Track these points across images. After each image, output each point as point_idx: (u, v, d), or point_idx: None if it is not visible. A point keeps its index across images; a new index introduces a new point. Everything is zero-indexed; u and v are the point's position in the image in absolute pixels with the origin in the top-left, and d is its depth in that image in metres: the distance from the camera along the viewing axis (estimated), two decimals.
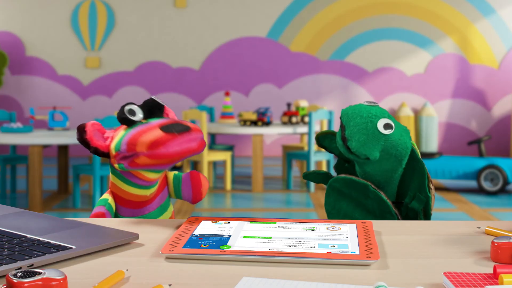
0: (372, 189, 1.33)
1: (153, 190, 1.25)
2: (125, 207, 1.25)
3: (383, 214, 1.34)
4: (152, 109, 1.24)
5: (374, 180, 1.36)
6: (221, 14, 9.13)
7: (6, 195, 6.11)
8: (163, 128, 1.16)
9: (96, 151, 1.21)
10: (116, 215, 1.27)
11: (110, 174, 1.27)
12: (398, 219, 1.33)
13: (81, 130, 1.20)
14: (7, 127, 5.55)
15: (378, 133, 1.31)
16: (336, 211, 1.39)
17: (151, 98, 1.25)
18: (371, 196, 1.34)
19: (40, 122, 9.13)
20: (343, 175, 1.37)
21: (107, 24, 9.12)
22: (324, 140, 1.45)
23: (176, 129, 1.17)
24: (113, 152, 1.20)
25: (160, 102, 1.25)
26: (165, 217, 1.31)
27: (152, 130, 1.16)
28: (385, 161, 1.33)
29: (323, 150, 6.72)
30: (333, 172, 7.71)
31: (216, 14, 9.13)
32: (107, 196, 1.27)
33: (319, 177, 1.46)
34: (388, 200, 1.34)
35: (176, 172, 1.30)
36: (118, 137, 1.20)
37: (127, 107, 1.21)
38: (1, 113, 6.09)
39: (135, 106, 1.22)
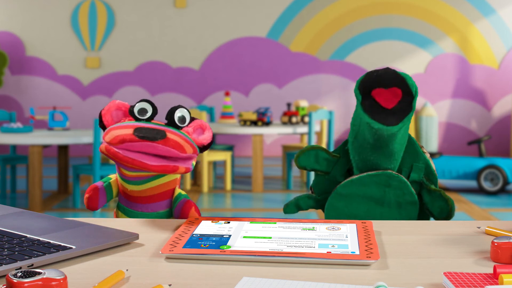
0: (395, 174, 1.30)
1: (134, 188, 1.20)
2: (121, 194, 1.25)
3: (400, 199, 1.30)
4: (172, 120, 1.19)
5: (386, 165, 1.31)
6: (221, 14, 9.12)
7: (6, 195, 6.11)
8: (136, 129, 1.13)
9: (102, 128, 1.22)
10: (118, 203, 1.26)
11: None
12: (417, 198, 1.31)
13: (105, 106, 1.22)
14: (7, 127, 5.54)
15: None
16: (347, 217, 1.34)
17: (178, 113, 1.19)
18: (393, 183, 1.30)
19: (40, 122, 9.13)
20: (356, 176, 1.32)
21: (107, 24, 9.12)
22: (302, 161, 1.37)
23: (141, 133, 1.12)
24: None
25: (181, 123, 1.20)
26: None
27: (127, 128, 1.14)
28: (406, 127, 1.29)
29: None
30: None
31: (216, 14, 9.13)
32: (113, 176, 1.26)
33: (301, 202, 1.40)
34: (407, 181, 1.31)
35: (182, 192, 1.24)
36: None
37: (138, 106, 1.19)
38: (1, 113, 6.09)
39: (148, 105, 1.20)
